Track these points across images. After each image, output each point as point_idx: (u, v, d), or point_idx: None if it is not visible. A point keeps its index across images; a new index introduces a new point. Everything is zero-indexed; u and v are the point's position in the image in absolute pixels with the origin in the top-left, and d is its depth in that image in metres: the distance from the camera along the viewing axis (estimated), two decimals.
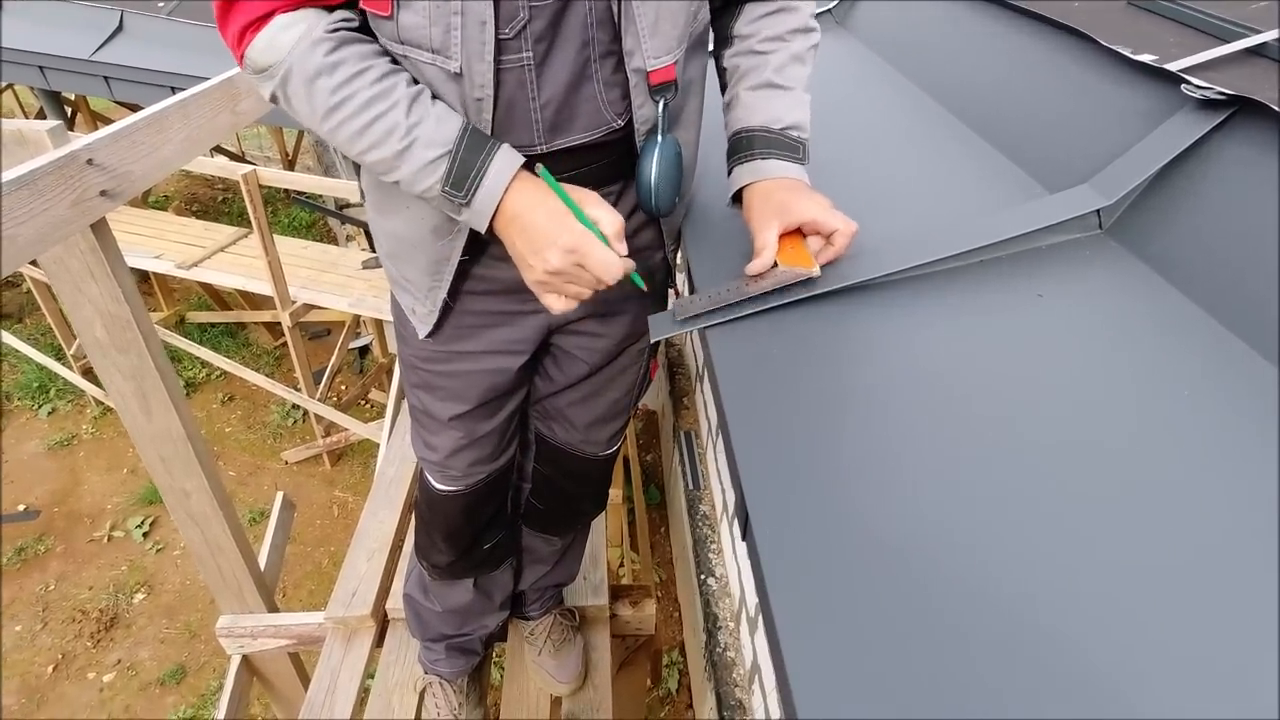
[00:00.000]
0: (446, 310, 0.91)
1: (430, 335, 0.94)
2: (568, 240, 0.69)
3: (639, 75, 0.72)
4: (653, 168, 0.77)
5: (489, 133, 0.72)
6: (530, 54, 0.69)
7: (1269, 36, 0.96)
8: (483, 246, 0.86)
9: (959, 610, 0.45)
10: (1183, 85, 0.70)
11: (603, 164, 0.80)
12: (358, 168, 0.88)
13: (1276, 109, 0.61)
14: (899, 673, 0.43)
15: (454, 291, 0.88)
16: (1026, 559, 0.48)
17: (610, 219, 0.71)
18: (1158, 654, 0.42)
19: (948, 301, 0.71)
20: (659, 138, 0.76)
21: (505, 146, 0.71)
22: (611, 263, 0.69)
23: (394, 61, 0.72)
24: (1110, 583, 0.46)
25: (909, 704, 0.41)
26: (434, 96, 0.71)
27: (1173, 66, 0.87)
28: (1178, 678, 0.41)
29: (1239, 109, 0.67)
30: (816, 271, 0.73)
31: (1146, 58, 0.89)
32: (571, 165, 0.79)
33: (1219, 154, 0.67)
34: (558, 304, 0.74)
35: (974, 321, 0.68)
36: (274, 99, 0.71)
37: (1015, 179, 0.89)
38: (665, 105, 0.75)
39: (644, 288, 0.78)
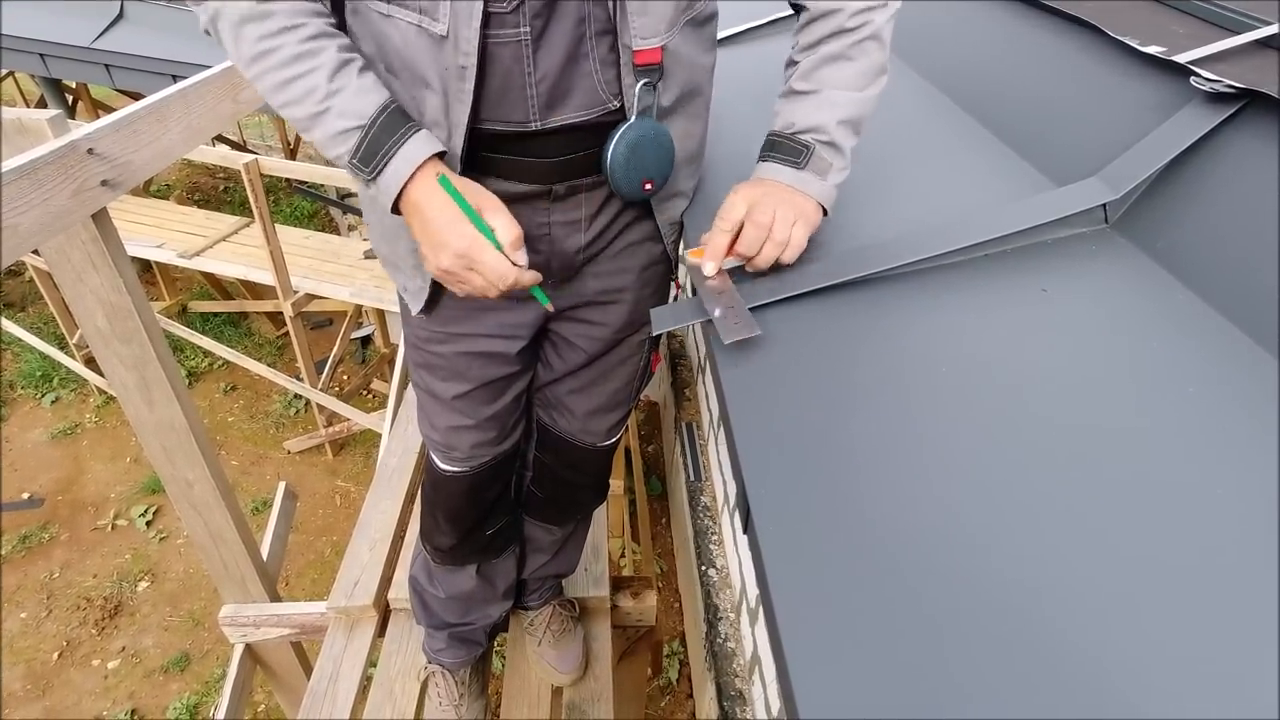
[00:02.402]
0: (440, 289, 0.91)
1: (424, 312, 0.94)
2: (458, 245, 0.71)
3: (626, 52, 0.72)
4: (610, 146, 0.77)
5: (469, 103, 0.72)
6: (528, 29, 0.69)
7: (1278, 28, 0.95)
8: None
9: (960, 605, 0.45)
10: (1192, 78, 0.70)
11: (598, 149, 0.80)
12: None
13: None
14: (899, 666, 0.43)
15: None
16: (1029, 554, 0.48)
17: (506, 227, 0.72)
18: (1160, 652, 0.42)
19: (952, 296, 0.70)
20: (632, 118, 0.76)
21: (423, 134, 0.71)
22: (504, 271, 0.71)
23: (339, 27, 0.73)
24: (1113, 578, 0.46)
25: (909, 698, 0.41)
26: (369, 68, 0.72)
27: (1181, 58, 0.86)
28: (1181, 676, 0.41)
29: (1249, 102, 0.66)
30: (706, 269, 0.75)
31: (1155, 49, 0.88)
32: (568, 148, 0.79)
33: (1228, 148, 0.66)
34: (462, 292, 0.76)
35: (978, 316, 0.68)
36: (206, 33, 0.73)
37: (1022, 172, 0.88)
38: (650, 86, 0.74)
39: (548, 306, 0.80)
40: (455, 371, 1.02)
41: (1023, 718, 0.40)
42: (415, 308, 0.93)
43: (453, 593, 1.37)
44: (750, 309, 0.72)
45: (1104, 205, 0.73)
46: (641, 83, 0.74)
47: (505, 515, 1.30)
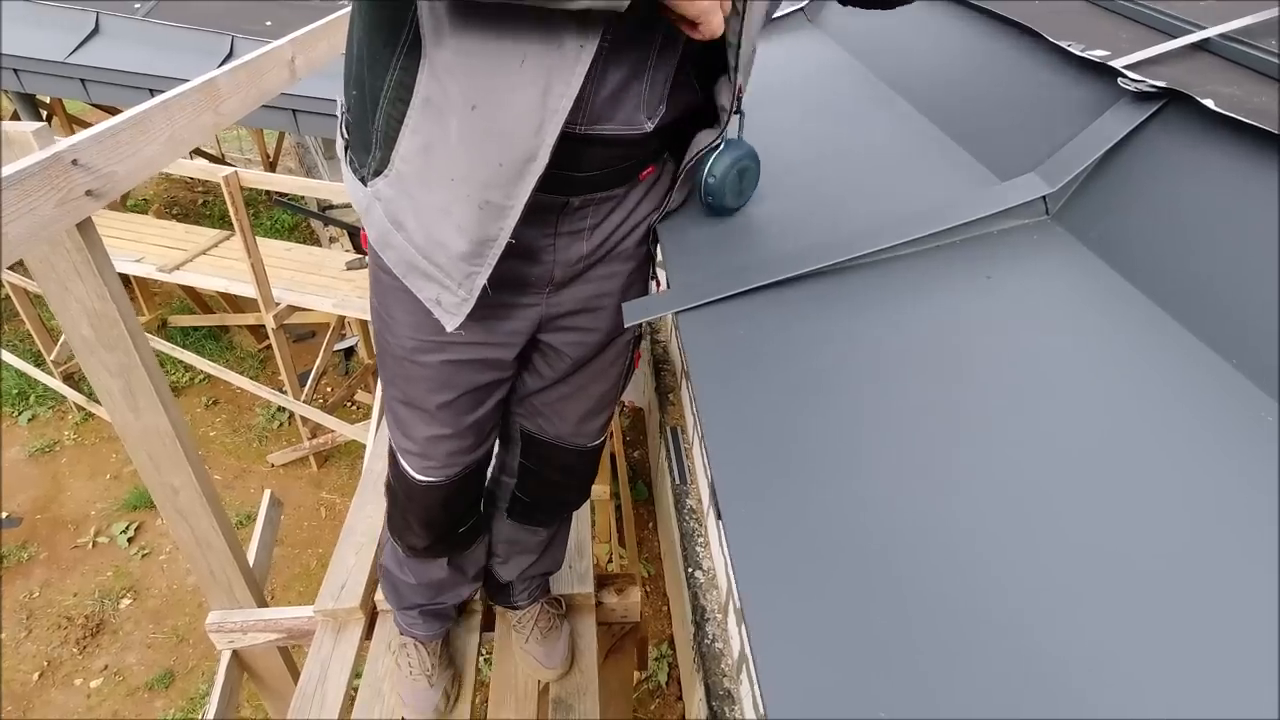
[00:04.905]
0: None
1: (460, 328, 0.87)
2: None
3: (728, 89, 0.78)
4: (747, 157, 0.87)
5: (578, 87, 0.67)
6: (611, 36, 0.68)
7: (1211, 32, 1.01)
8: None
9: (919, 587, 0.48)
10: (1119, 79, 0.75)
11: (633, 163, 0.85)
12: (380, 147, 0.80)
13: (1201, 100, 0.66)
14: (866, 651, 0.44)
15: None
16: (985, 539, 0.50)
17: None
18: (1117, 635, 0.45)
19: (905, 285, 0.75)
20: (745, 141, 0.85)
21: None
22: None
23: None
24: (1070, 562, 0.48)
25: (876, 684, 0.43)
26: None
27: (1122, 61, 0.92)
28: (1116, 656, 0.45)
29: (1169, 101, 0.71)
30: None
31: (1098, 54, 0.94)
32: (599, 164, 0.82)
33: (1152, 143, 0.71)
34: (718, 19, 0.65)
35: (928, 304, 0.72)
36: None
37: (972, 170, 0.93)
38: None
39: None
40: (442, 380, 1.01)
41: (987, 715, 0.41)
42: (452, 323, 0.86)
43: (424, 580, 1.40)
44: (712, 302, 0.76)
45: (1044, 198, 0.78)
46: (741, 114, 0.82)
47: (476, 513, 1.33)
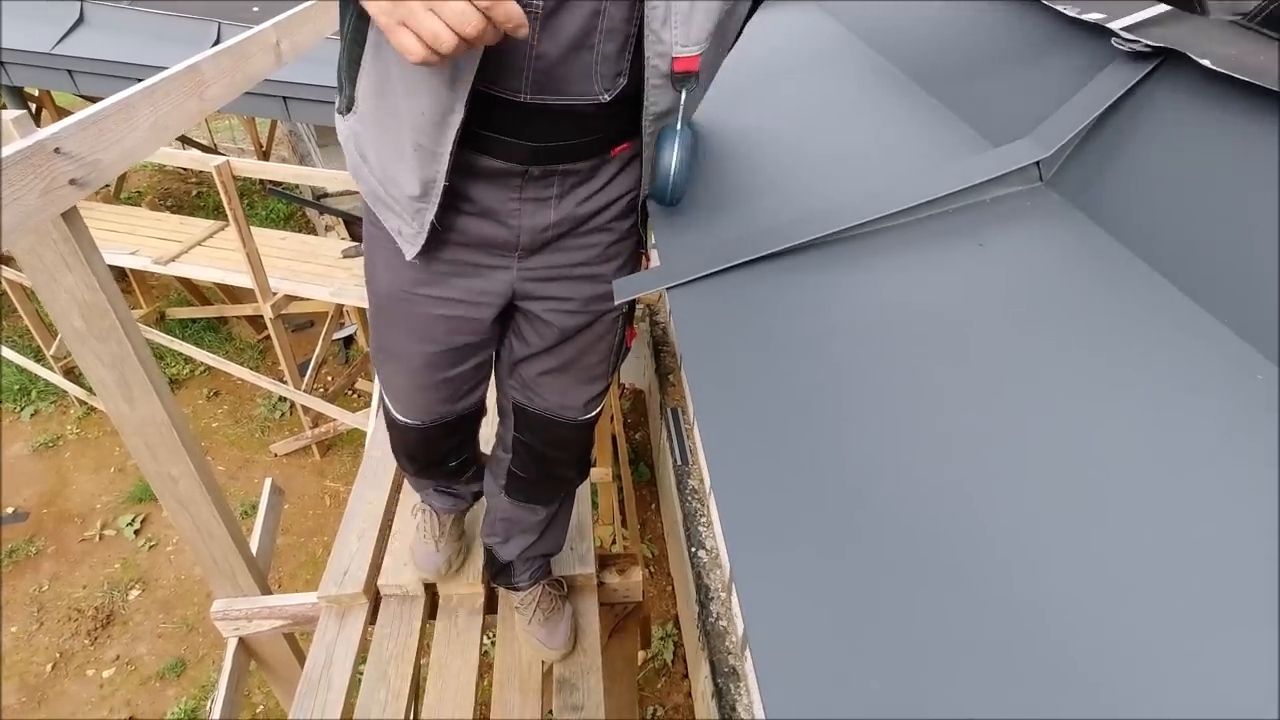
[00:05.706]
0: (434, 239, 0.90)
1: (419, 256, 0.92)
2: None
3: (664, 60, 0.74)
4: (673, 157, 0.79)
5: (478, 58, 0.69)
6: (540, 3, 0.68)
7: None
8: (459, 183, 0.86)
9: (910, 550, 0.48)
10: (1113, 39, 0.73)
11: (597, 137, 0.83)
12: (347, 84, 0.84)
13: (1198, 60, 0.64)
14: (855, 609, 0.45)
15: (439, 218, 0.87)
16: (976, 502, 0.50)
17: None
18: (1103, 592, 0.45)
19: (897, 254, 0.74)
20: (678, 127, 0.79)
21: None
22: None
23: None
24: (1056, 521, 0.48)
25: (864, 644, 0.43)
26: None
27: (1117, 23, 0.90)
28: (1095, 603, 0.45)
29: (1164, 60, 0.70)
30: None
31: (1094, 16, 0.92)
32: (550, 135, 0.81)
33: (1148, 104, 0.70)
34: (411, 43, 0.58)
35: (919, 272, 0.71)
36: None
37: (967, 138, 0.92)
38: (686, 95, 0.77)
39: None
40: (417, 332, 1.05)
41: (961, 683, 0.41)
42: (410, 252, 0.92)
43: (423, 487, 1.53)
44: (702, 277, 0.75)
45: (1038, 163, 0.76)
46: (683, 92, 0.76)
47: (464, 454, 1.41)
